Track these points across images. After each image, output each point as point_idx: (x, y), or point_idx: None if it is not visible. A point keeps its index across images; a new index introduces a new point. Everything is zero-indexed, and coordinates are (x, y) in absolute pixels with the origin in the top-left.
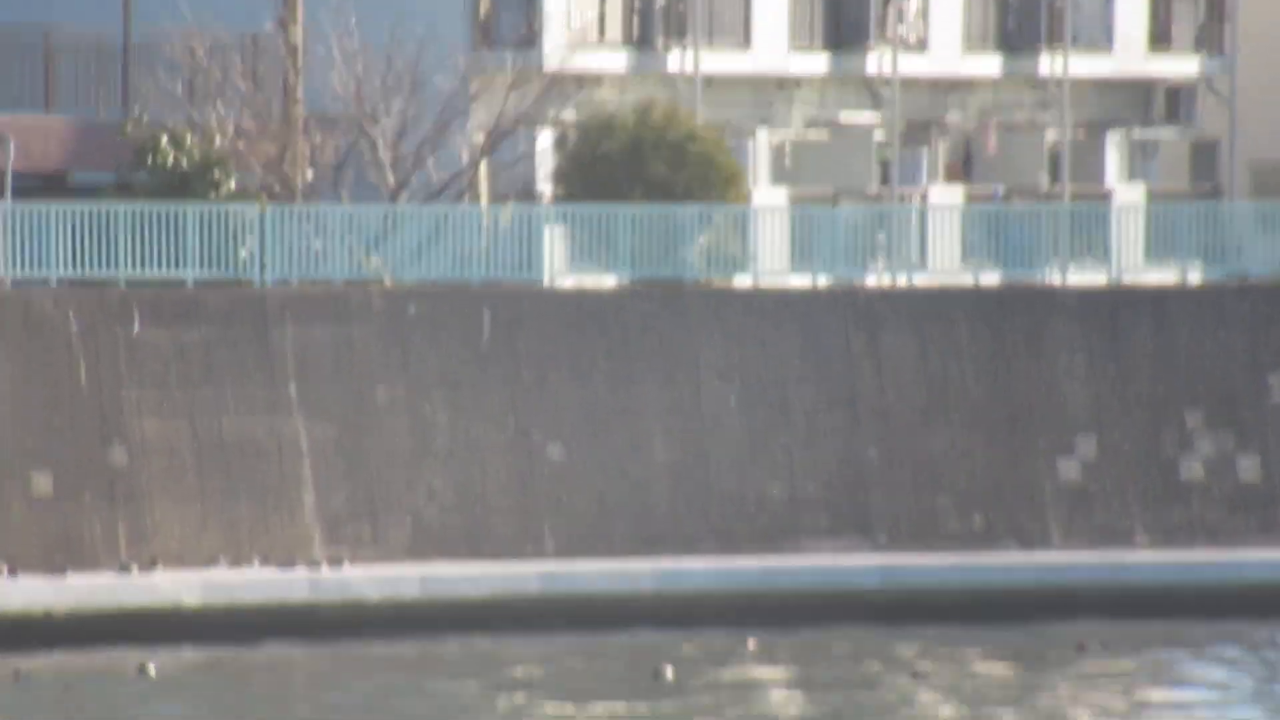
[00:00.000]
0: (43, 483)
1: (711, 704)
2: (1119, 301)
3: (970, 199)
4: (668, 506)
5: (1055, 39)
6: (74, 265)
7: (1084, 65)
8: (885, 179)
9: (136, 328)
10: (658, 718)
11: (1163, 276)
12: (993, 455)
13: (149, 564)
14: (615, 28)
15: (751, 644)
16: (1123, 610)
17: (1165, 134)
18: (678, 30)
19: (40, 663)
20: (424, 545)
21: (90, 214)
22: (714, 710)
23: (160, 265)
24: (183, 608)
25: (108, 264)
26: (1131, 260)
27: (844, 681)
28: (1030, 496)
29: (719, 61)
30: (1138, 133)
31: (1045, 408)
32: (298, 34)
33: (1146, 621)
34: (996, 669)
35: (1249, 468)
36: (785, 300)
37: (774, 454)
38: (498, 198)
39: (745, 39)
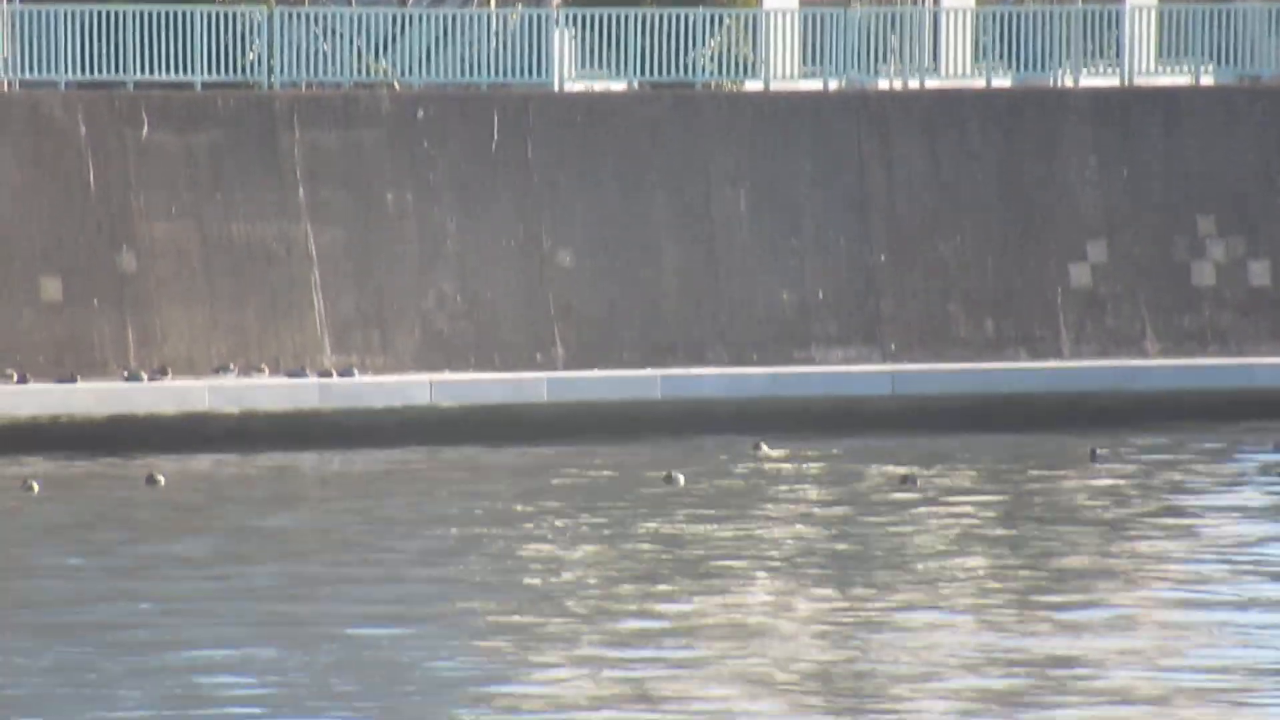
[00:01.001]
0: (52, 288)
1: (719, 508)
2: (1131, 103)
3: (982, 0)
4: (677, 314)
5: None
6: (82, 67)
7: None
8: None
9: (145, 131)
10: (671, 522)
11: (1174, 79)
12: (1003, 261)
13: (158, 371)
14: None
15: (761, 448)
16: (1133, 418)
17: None
18: None
19: (50, 468)
20: (433, 353)
21: (98, 14)
22: (723, 514)
23: (168, 68)
24: (199, 414)
25: (116, 66)
26: (1143, 62)
27: (848, 487)
28: (1041, 303)
29: None
30: None
31: (1056, 212)
32: None
33: (1158, 428)
34: (1010, 473)
35: (1260, 272)
36: (796, 104)
37: (784, 260)
38: (506, 0)
39: None
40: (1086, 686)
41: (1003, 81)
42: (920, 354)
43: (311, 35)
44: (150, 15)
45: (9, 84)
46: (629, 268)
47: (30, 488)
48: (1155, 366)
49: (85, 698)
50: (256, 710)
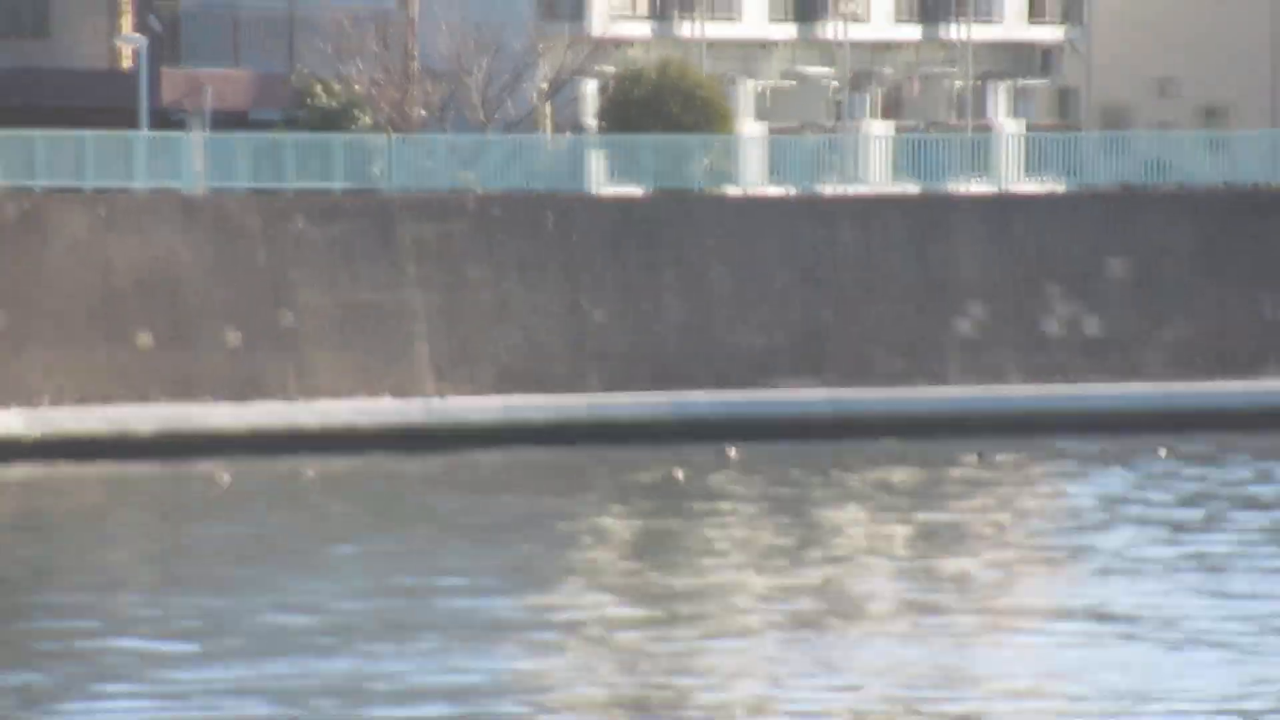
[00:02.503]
0: (233, 338)
1: (711, 501)
2: (1003, 204)
3: (898, 130)
4: (678, 354)
5: (960, 12)
6: (254, 178)
7: (980, 32)
8: (837, 116)
9: (299, 224)
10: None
11: (1035, 187)
12: (911, 317)
13: (309, 395)
14: (643, 5)
15: (733, 453)
16: (1002, 429)
17: (1038, 83)
18: (689, 7)
19: (229, 468)
20: (504, 383)
21: (265, 141)
22: (713, 509)
23: (315, 178)
24: (336, 429)
25: (279, 177)
26: (1012, 175)
27: (802, 479)
28: (936, 346)
29: (717, 30)
30: (1019, 83)
31: (948, 281)
32: (414, 9)
33: (1022, 437)
34: (908, 473)
35: (1092, 325)
36: (763, 204)
37: (756, 316)
38: (557, 129)
39: (737, 14)
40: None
41: (913, 189)
42: (852, 384)
43: (417, 154)
44: (303, 141)
45: (203, 190)
46: (643, 321)
47: (220, 481)
48: (1017, 393)
49: None
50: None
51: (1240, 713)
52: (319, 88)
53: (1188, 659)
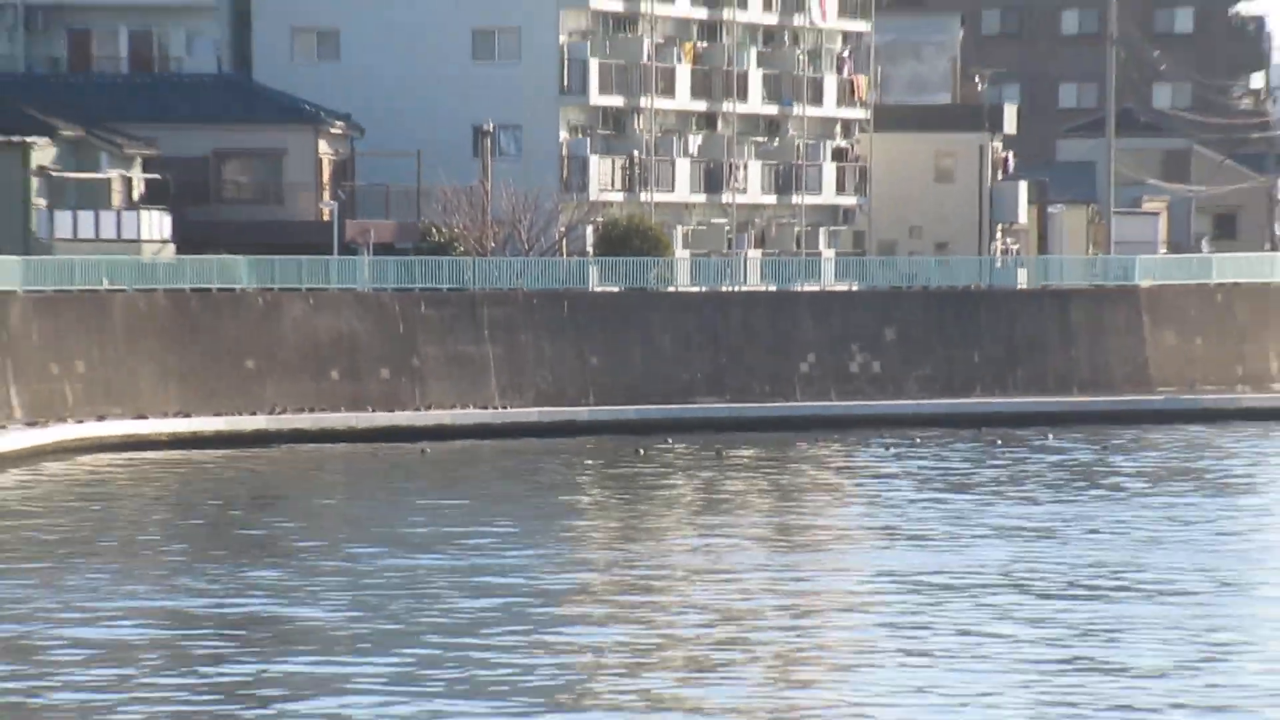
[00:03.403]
0: (384, 373)
1: (657, 464)
2: (825, 297)
3: (765, 255)
4: (643, 383)
5: (799, 187)
6: (398, 282)
7: (810, 198)
8: (730, 246)
9: (423, 308)
10: (639, 472)
11: (843, 287)
12: (774, 362)
13: (427, 407)
14: (619, 182)
15: (669, 440)
16: (831, 426)
17: (843, 228)
18: (645, 184)
19: (381, 449)
20: (541, 399)
21: (404, 261)
22: (660, 466)
23: (431, 280)
24: (443, 425)
25: (411, 281)
26: (829, 280)
27: (711, 457)
28: (788, 379)
29: (662, 197)
30: (832, 228)
31: (794, 341)
32: (488, 185)
33: (835, 431)
34: (766, 450)
35: (876, 367)
36: (689, 296)
37: (684, 361)
38: (570, 254)
39: (671, 187)
40: None
41: (774, 288)
42: (739, 400)
43: (490, 269)
44: (425, 261)
45: (368, 289)
46: (620, 365)
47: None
48: (834, 405)
49: None
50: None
51: None
52: (434, 230)
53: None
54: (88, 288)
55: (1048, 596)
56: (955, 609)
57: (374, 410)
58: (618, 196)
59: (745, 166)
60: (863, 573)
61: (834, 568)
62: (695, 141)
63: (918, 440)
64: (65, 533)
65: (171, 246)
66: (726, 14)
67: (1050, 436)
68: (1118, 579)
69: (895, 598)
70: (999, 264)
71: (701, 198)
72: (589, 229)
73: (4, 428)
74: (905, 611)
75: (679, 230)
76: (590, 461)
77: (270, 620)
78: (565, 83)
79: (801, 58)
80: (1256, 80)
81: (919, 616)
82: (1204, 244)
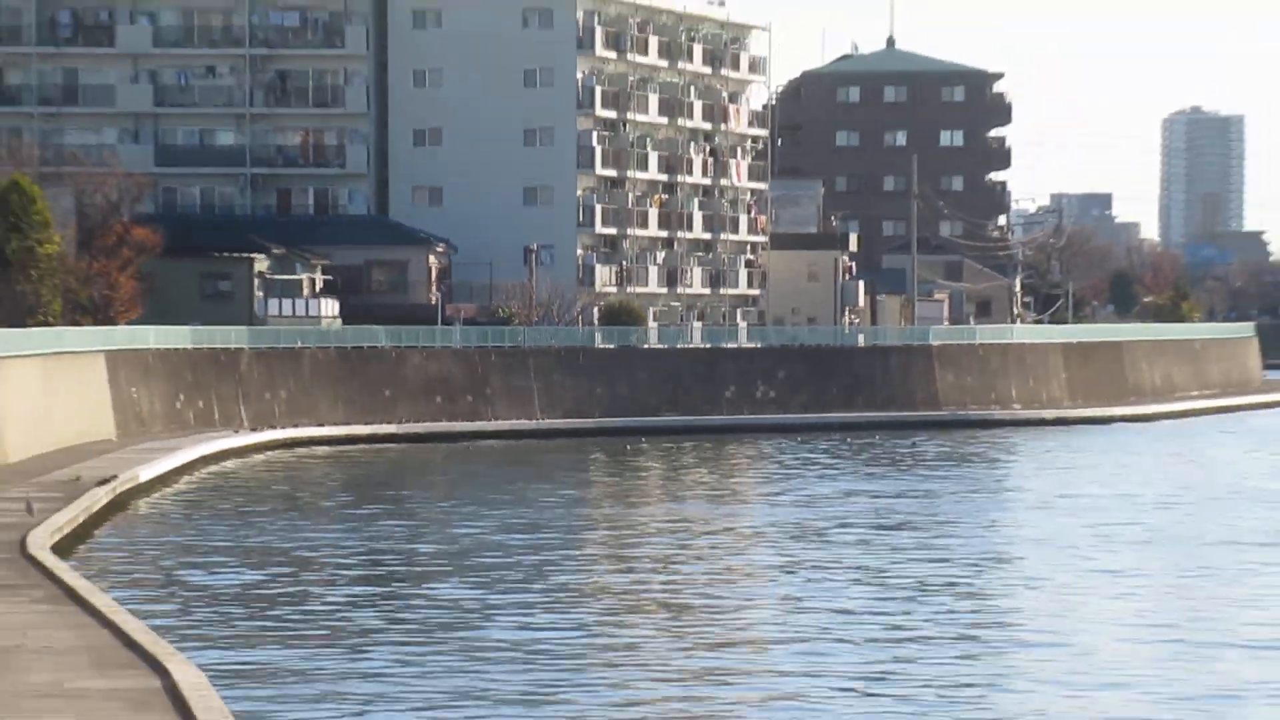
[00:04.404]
0: (467, 398)
1: (643, 460)
2: (742, 352)
3: (704, 327)
4: (628, 404)
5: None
6: (479, 342)
7: (730, 291)
8: (682, 320)
9: (492, 357)
10: (629, 461)
11: (752, 346)
12: (709, 390)
13: (495, 419)
14: (613, 280)
15: (644, 442)
16: (744, 430)
17: (751, 309)
18: (630, 280)
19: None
20: (566, 415)
21: (480, 329)
22: (639, 457)
23: (498, 341)
24: (503, 430)
25: (484, 342)
26: (742, 341)
27: (665, 453)
28: (718, 400)
29: (640, 289)
30: (742, 310)
31: (721, 378)
32: (533, 283)
33: (746, 434)
34: (711, 450)
35: (772, 394)
36: (658, 351)
37: (653, 389)
38: (584, 324)
39: (645, 283)
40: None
41: (708, 346)
42: (688, 414)
43: (535, 334)
44: (494, 330)
45: (459, 345)
46: (616, 393)
47: (469, 449)
48: (747, 418)
49: None
50: None
51: None
52: (500, 310)
53: None
54: (288, 345)
55: (878, 529)
56: (812, 545)
57: (456, 421)
58: (613, 289)
59: (691, 271)
60: (754, 520)
61: (737, 516)
62: (660, 256)
63: (799, 439)
64: (284, 491)
65: (339, 320)
66: (680, 178)
67: (877, 436)
68: (913, 519)
69: (778, 536)
70: (847, 331)
71: (665, 290)
72: (595, 309)
73: (238, 431)
74: (785, 551)
75: (651, 310)
76: (596, 455)
77: (406, 552)
78: (580, 219)
79: (726, 204)
80: (1001, 220)
81: (797, 554)
82: (971, 320)
